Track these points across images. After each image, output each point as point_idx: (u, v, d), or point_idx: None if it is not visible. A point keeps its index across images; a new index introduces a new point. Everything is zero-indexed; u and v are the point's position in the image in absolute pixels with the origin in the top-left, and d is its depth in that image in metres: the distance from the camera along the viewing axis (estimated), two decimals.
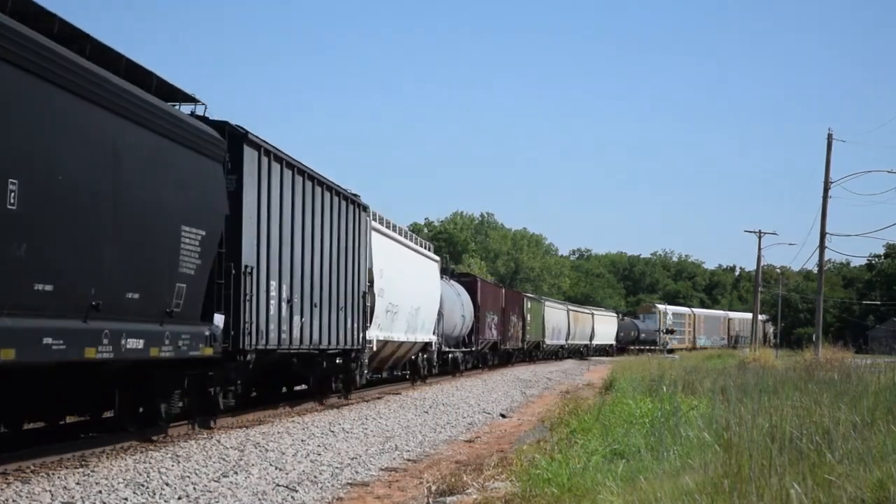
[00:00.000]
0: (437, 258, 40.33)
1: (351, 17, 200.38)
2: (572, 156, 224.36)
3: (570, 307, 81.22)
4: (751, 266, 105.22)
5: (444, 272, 43.37)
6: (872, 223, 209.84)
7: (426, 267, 36.84)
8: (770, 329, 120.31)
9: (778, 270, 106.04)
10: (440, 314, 38.40)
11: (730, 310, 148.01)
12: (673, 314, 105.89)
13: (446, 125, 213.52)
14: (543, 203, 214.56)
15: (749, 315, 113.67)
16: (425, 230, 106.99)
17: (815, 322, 56.10)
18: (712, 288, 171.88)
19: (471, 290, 46.64)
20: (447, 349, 41.09)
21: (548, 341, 70.13)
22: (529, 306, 63.42)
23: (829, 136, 52.23)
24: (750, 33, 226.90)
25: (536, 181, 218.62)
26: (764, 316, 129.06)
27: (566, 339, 77.37)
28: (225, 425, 19.05)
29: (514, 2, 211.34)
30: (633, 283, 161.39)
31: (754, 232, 77.43)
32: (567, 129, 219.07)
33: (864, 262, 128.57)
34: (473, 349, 46.55)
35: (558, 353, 76.73)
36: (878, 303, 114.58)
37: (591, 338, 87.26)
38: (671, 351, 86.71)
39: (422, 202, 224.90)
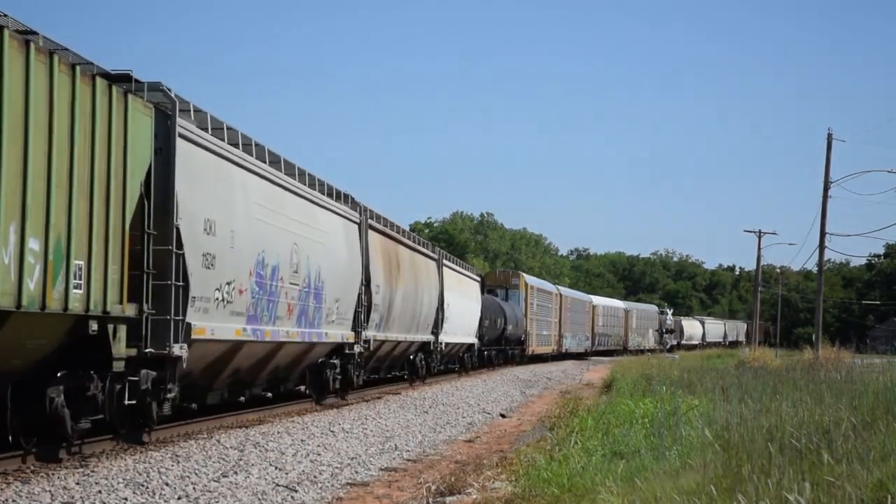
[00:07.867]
0: None
1: (351, 17, 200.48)
2: (572, 156, 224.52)
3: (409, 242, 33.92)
4: (751, 266, 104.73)
5: None
6: (872, 223, 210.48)
7: None
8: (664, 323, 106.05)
9: (778, 270, 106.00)
10: None
11: (729, 310, 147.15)
12: (539, 291, 62.91)
13: (447, 125, 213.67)
14: (543, 203, 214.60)
15: (618, 303, 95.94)
16: (426, 230, 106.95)
17: (814, 322, 56.08)
18: (712, 288, 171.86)
19: None
20: None
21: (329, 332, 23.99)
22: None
23: (829, 136, 52.19)
24: (750, 33, 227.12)
25: (536, 181, 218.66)
26: (659, 308, 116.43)
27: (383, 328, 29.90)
28: (225, 425, 19.05)
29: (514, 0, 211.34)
30: (633, 283, 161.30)
31: (754, 232, 77.27)
32: (567, 130, 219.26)
33: (863, 262, 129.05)
34: None
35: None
36: (878, 303, 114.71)
37: (441, 324, 37.43)
38: (671, 350, 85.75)
39: (422, 202, 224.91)
